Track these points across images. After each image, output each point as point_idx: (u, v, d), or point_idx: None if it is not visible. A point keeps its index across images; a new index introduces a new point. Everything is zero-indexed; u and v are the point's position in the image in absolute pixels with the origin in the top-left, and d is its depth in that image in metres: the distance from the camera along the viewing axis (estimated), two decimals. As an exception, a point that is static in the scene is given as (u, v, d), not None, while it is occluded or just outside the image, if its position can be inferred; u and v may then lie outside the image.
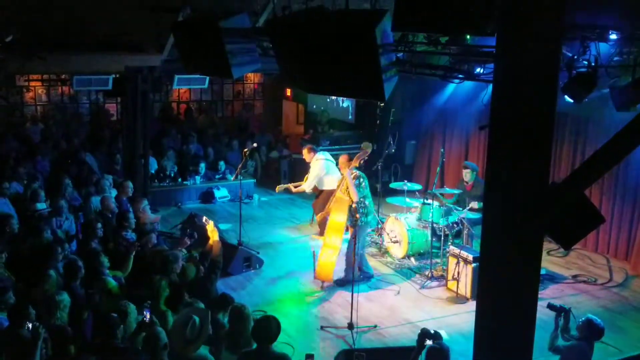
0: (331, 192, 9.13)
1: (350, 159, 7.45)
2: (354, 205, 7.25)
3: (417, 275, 8.06)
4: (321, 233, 9.47)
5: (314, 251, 7.99)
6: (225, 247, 7.53)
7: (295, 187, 9.21)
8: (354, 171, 7.49)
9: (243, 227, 9.02)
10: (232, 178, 10.99)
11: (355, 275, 7.18)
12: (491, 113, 3.66)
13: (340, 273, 7.68)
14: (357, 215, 7.32)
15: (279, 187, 9.26)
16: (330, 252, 7.31)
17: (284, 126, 15.31)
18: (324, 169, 9.09)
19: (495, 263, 3.69)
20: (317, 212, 9.24)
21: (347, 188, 7.39)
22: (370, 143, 7.67)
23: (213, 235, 6.35)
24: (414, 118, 11.82)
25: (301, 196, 10.86)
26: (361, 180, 7.41)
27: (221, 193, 11.62)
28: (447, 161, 10.99)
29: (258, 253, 8.58)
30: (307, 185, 9.02)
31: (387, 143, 10.52)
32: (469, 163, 8.89)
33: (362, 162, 7.57)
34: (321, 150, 9.56)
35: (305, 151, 9.15)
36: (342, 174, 7.50)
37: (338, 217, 7.24)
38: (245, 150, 9.29)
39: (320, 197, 9.20)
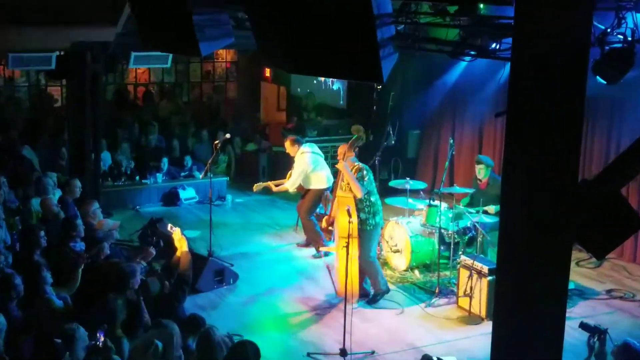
0: (319, 192, 9.13)
1: (351, 146, 7.46)
2: (350, 208, 7.21)
3: (422, 291, 8.08)
4: (307, 242, 9.51)
5: (327, 266, 7.94)
6: (194, 259, 7.48)
7: (277, 185, 9.19)
8: (355, 163, 7.48)
9: (214, 234, 8.99)
10: (200, 176, 10.95)
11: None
12: (509, 97, 3.68)
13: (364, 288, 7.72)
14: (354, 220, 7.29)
15: (257, 186, 9.24)
16: (350, 261, 7.29)
17: (262, 113, 15.27)
18: (310, 165, 9.05)
19: (515, 276, 3.71)
20: (303, 216, 9.23)
21: (348, 184, 7.40)
22: (362, 127, 7.66)
23: (181, 245, 6.32)
24: (417, 103, 11.85)
25: (283, 197, 10.84)
26: (364, 173, 7.39)
27: (187, 194, 11.60)
28: (457, 154, 11.02)
29: (232, 265, 8.57)
30: (290, 184, 9.01)
31: (385, 133, 10.54)
32: (483, 157, 8.91)
33: (356, 150, 7.57)
34: (307, 141, 9.53)
35: (288, 143, 9.14)
36: (338, 168, 7.46)
37: (347, 218, 7.20)
38: (217, 142, 9.26)
39: (306, 198, 9.18)
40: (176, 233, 6.38)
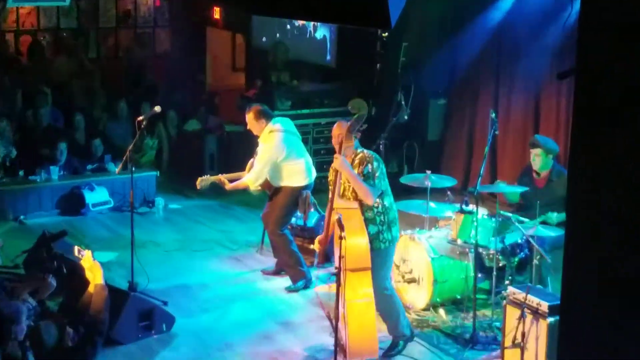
0: (295, 192, 9.11)
1: (350, 131, 7.35)
2: (341, 217, 7.21)
3: (451, 340, 8.10)
4: (277, 268, 9.50)
5: (327, 314, 7.87)
6: (109, 294, 7.42)
7: (231, 181, 9.18)
8: (359, 150, 7.43)
9: (138, 257, 9.00)
10: (116, 169, 10.91)
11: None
12: (578, 48, 3.68)
13: (383, 336, 7.70)
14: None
15: (202, 181, 9.25)
16: (361, 304, 7.26)
17: (209, 75, 15.26)
18: (283, 149, 9.03)
19: (590, 317, 3.72)
20: (272, 229, 9.22)
21: (347, 186, 7.32)
22: (364, 101, 7.59)
23: (94, 276, 6.26)
24: (442, 59, 11.88)
25: (242, 200, 10.84)
26: (373, 165, 7.30)
27: (97, 197, 11.61)
28: (502, 135, 11.07)
29: (165, 304, 8.58)
30: (252, 178, 9.00)
31: (394, 105, 10.55)
32: (541, 138, 8.94)
33: (357, 136, 7.50)
34: (277, 116, 9.51)
35: (250, 116, 9.10)
36: (335, 159, 7.37)
37: (356, 239, 7.16)
38: (140, 118, 9.21)
39: (275, 201, 9.16)
40: (86, 258, 6.34)
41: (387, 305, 7.59)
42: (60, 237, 8.37)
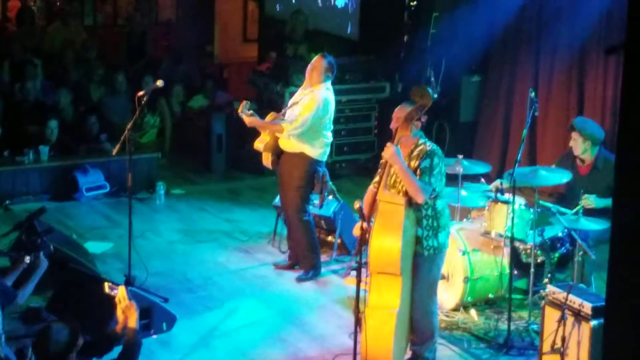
0: (313, 167, 9.14)
1: (407, 119, 7.26)
2: (362, 205, 7.19)
3: (483, 344, 8.12)
4: (292, 260, 9.54)
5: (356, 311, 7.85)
6: (103, 289, 7.46)
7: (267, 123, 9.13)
8: (421, 142, 7.35)
9: (136, 248, 9.02)
10: (113, 150, 10.93)
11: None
12: (629, 21, 3.66)
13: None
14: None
15: (242, 107, 9.08)
16: (383, 313, 7.27)
17: (217, 46, 15.27)
18: (331, 112, 9.14)
19: (637, 319, 3.71)
20: (291, 213, 9.25)
21: (399, 178, 7.24)
22: (429, 89, 7.46)
23: (128, 318, 6.27)
24: (475, 31, 11.83)
25: (253, 184, 10.88)
26: (433, 160, 7.20)
27: (91, 180, 11.63)
28: (542, 116, 11.03)
29: (166, 301, 8.61)
30: (294, 124, 8.93)
31: (422, 82, 10.53)
32: (580, 121, 8.91)
33: (417, 126, 7.38)
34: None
35: (323, 64, 9.04)
36: (387, 148, 7.24)
37: (387, 240, 7.12)
38: (141, 93, 9.23)
39: (291, 176, 9.12)
40: (121, 295, 6.32)
41: (427, 324, 7.49)
42: (38, 215, 8.35)
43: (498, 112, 12.09)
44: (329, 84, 9.15)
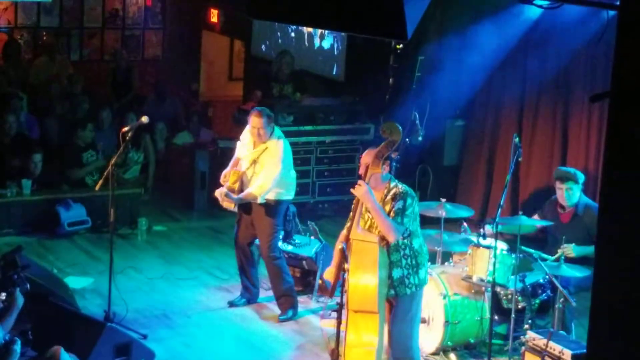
0: (284, 205, 9.26)
1: (378, 157, 7.25)
2: (345, 246, 7.18)
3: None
4: (277, 296, 9.50)
5: (326, 336, 7.75)
6: (81, 325, 7.41)
7: (233, 191, 9.17)
8: (392, 185, 7.35)
9: (116, 284, 8.99)
10: (96, 185, 10.91)
11: None
12: (614, 69, 3.68)
13: None
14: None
15: (220, 192, 9.14)
16: (361, 352, 7.23)
17: (203, 84, 15.29)
18: (290, 159, 9.28)
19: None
20: (267, 252, 9.25)
21: (375, 219, 7.22)
22: (399, 126, 7.45)
23: None
24: (461, 76, 11.90)
25: (234, 223, 10.84)
26: (406, 202, 7.20)
27: (73, 215, 11.58)
28: (525, 162, 11.06)
29: (145, 337, 8.60)
30: (264, 188, 9.02)
31: (407, 124, 10.55)
32: (567, 170, 8.94)
33: (386, 166, 7.35)
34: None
35: (263, 120, 9.08)
36: (359, 186, 7.23)
37: (363, 278, 7.11)
38: (126, 129, 9.24)
39: (262, 218, 9.18)
40: None
41: (406, 357, 7.46)
42: (15, 254, 8.29)
43: (481, 157, 12.11)
44: (277, 132, 9.22)
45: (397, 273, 7.24)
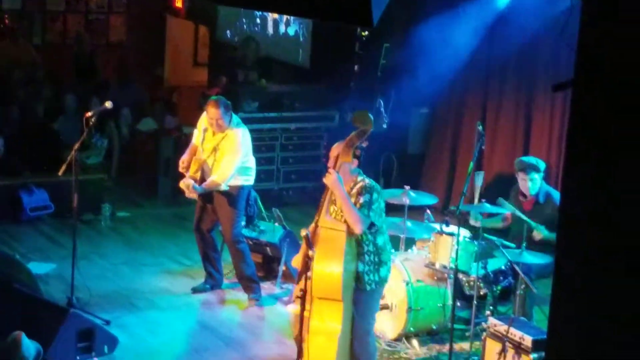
0: (246, 191, 9.31)
1: (349, 145, 7.24)
2: (309, 234, 7.18)
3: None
4: (244, 283, 9.51)
5: (296, 337, 7.57)
6: (44, 310, 7.35)
7: (196, 180, 9.16)
8: (359, 179, 7.35)
9: (79, 270, 8.97)
10: (60, 171, 10.84)
11: None
12: (577, 59, 3.70)
13: None
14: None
15: (186, 184, 9.12)
16: (325, 340, 7.23)
17: (168, 69, 15.22)
18: (249, 145, 9.28)
19: (579, 355, 3.72)
20: (230, 237, 9.30)
21: (340, 208, 7.21)
22: (371, 115, 7.43)
23: None
24: (426, 64, 11.91)
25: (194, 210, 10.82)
26: (372, 196, 7.21)
27: (37, 200, 11.53)
28: (488, 149, 11.10)
29: (108, 323, 8.57)
30: (225, 176, 9.05)
31: (372, 111, 10.55)
32: (529, 160, 8.99)
33: (358, 153, 7.37)
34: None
35: (220, 110, 9.06)
36: (328, 174, 7.23)
37: (328, 266, 7.10)
38: (89, 114, 9.18)
39: (224, 204, 9.21)
40: None
41: (364, 351, 7.51)
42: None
43: (445, 145, 12.15)
44: (235, 119, 9.23)
45: (359, 267, 7.26)
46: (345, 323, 7.22)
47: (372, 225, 7.19)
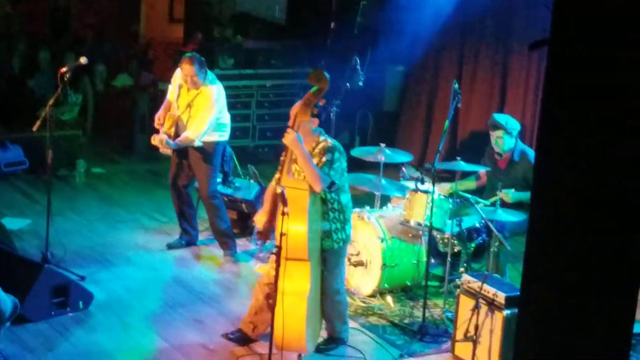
0: (221, 146, 9.31)
1: (306, 104, 7.22)
2: (284, 190, 7.17)
3: (398, 331, 8.15)
4: (220, 239, 9.51)
5: (266, 296, 7.64)
6: (18, 266, 7.34)
7: (170, 136, 9.12)
8: (322, 138, 7.31)
9: (54, 226, 8.96)
10: (34, 126, 10.78)
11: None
12: (553, 17, 3.69)
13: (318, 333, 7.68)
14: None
15: (159, 140, 9.06)
16: (294, 299, 7.24)
17: (143, 25, 15.09)
18: (224, 102, 9.26)
19: (551, 310, 3.75)
20: (206, 192, 9.32)
21: (302, 167, 7.19)
22: (326, 74, 7.42)
23: None
24: (402, 21, 11.88)
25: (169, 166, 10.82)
26: (334, 155, 7.20)
27: (11, 155, 11.46)
28: (464, 108, 11.11)
29: (83, 279, 8.56)
30: (199, 133, 9.04)
31: (348, 69, 10.52)
32: (501, 117, 9.00)
33: (315, 112, 7.35)
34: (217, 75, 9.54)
35: (195, 67, 9.02)
36: (287, 134, 7.20)
37: (293, 225, 7.06)
38: (64, 70, 9.11)
39: (199, 159, 9.23)
40: None
41: (335, 309, 7.62)
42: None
43: (421, 103, 12.15)
44: (209, 75, 9.20)
45: (325, 226, 7.31)
46: (314, 282, 7.24)
47: (332, 184, 7.21)
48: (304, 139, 7.18)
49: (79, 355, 7.48)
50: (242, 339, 7.70)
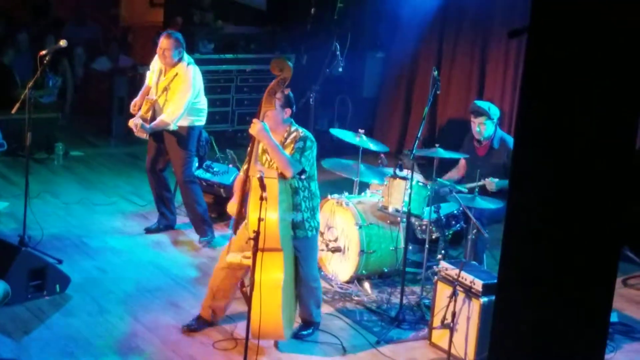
0: (197, 131, 9.31)
1: (270, 93, 7.17)
2: (263, 174, 7.14)
3: (375, 318, 8.17)
4: (195, 223, 9.50)
5: (241, 284, 7.69)
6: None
7: (145, 120, 9.05)
8: (293, 129, 7.27)
9: (32, 208, 8.96)
10: (12, 109, 10.72)
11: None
12: (533, 5, 3.68)
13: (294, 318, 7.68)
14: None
15: (134, 123, 9.01)
16: (270, 289, 7.21)
17: (124, 8, 15.04)
18: (200, 84, 9.21)
19: (527, 298, 3.75)
20: (182, 176, 9.31)
21: (272, 156, 7.14)
22: (289, 61, 7.36)
23: None
24: (382, 8, 11.87)
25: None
26: (306, 144, 7.20)
27: (-11, 138, 11.39)
28: (443, 96, 11.12)
29: (60, 262, 8.56)
30: (174, 116, 9.02)
31: (328, 55, 10.51)
32: (484, 104, 9.00)
33: (279, 101, 7.29)
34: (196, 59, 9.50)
35: (171, 42, 8.98)
36: (253, 124, 7.16)
37: (268, 213, 7.02)
38: (44, 52, 9.07)
39: (175, 143, 9.21)
40: None
41: (310, 295, 7.63)
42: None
43: (400, 89, 12.15)
44: (186, 56, 9.18)
45: (298, 216, 7.29)
46: (287, 271, 7.22)
47: (303, 171, 7.21)
48: (274, 129, 7.17)
49: (55, 338, 7.45)
50: (203, 326, 7.68)
